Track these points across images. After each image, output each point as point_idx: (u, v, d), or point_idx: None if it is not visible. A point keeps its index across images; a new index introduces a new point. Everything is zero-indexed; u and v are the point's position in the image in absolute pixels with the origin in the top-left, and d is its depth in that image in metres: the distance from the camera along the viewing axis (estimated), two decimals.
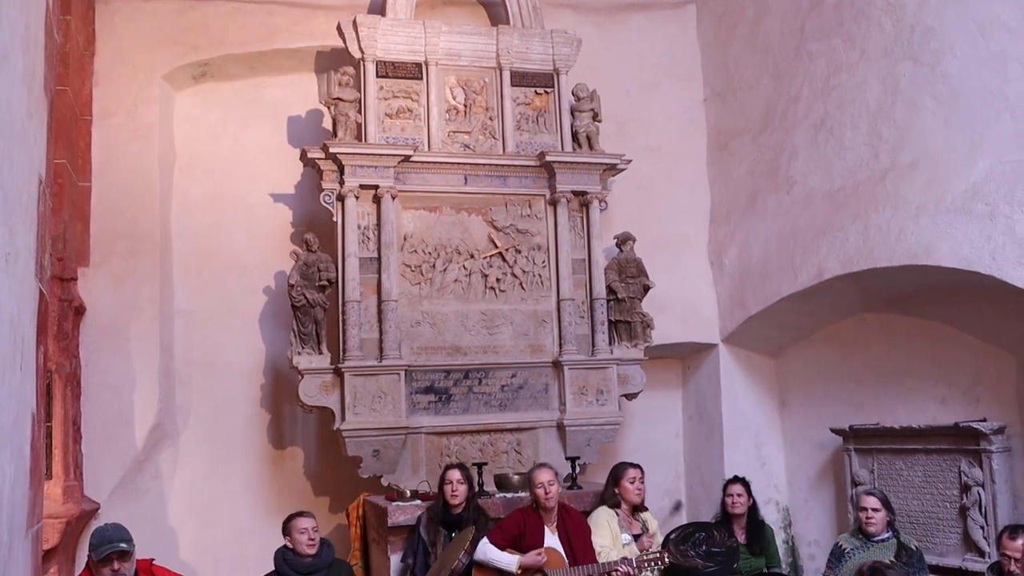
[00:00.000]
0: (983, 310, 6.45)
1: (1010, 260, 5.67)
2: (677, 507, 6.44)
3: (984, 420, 6.38)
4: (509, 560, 5.64)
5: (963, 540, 6.51)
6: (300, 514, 5.62)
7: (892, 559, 5.32)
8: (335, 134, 7.02)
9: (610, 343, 7.49)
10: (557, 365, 7.31)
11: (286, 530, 5.56)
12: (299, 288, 6.78)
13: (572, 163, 7.40)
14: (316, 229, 7.21)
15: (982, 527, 6.34)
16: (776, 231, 7.77)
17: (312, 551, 5.48)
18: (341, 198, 6.97)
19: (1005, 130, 5.85)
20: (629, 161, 7.62)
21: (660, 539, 6.31)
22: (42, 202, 4.01)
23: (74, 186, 6.67)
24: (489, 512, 6.22)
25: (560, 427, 7.24)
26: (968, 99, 6.10)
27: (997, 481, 6.27)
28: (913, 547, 5.79)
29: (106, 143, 7.11)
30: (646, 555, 5.81)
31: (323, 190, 7.00)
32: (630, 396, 7.64)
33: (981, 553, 6.30)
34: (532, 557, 5.63)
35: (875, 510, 5.77)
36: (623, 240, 7.69)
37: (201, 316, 7.54)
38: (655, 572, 6.08)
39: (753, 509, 6.65)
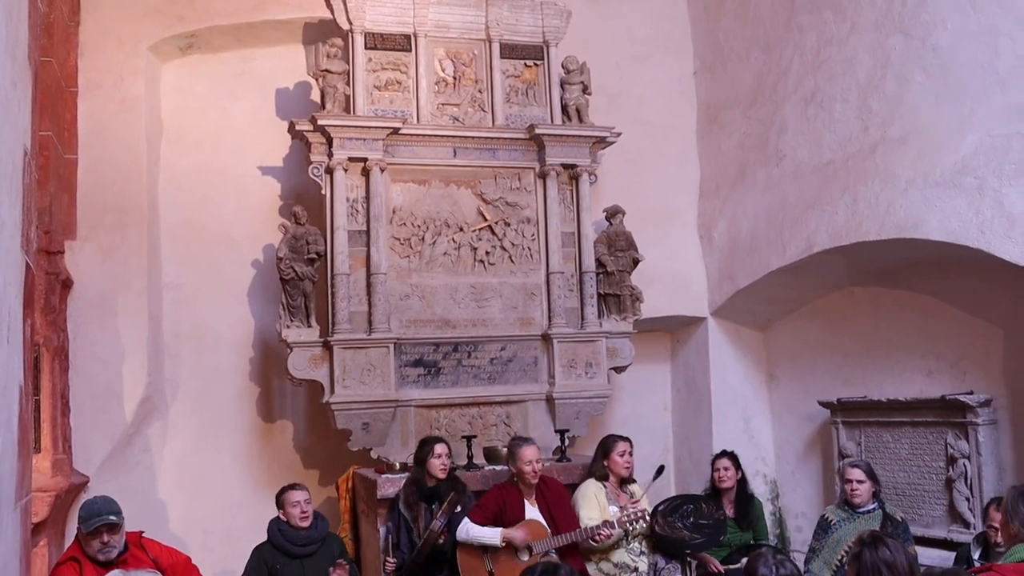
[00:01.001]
0: (971, 283, 6.48)
1: (998, 233, 5.69)
2: (660, 472, 6.46)
3: (971, 393, 6.43)
4: (492, 534, 5.66)
5: (948, 512, 6.57)
6: (293, 487, 5.63)
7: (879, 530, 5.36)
8: (323, 106, 6.98)
9: (599, 316, 7.49)
10: (546, 338, 7.31)
11: (279, 503, 5.58)
12: (288, 261, 6.76)
13: (562, 136, 7.37)
14: (305, 202, 7.18)
15: (967, 499, 6.40)
16: (765, 205, 7.77)
17: (305, 524, 5.50)
18: (330, 171, 6.94)
19: (995, 104, 5.85)
20: (619, 134, 7.60)
21: (648, 510, 6.35)
22: (27, 174, 3.99)
23: (60, 158, 6.62)
24: (478, 485, 6.25)
25: (549, 400, 7.25)
26: (958, 72, 6.09)
27: (983, 453, 6.32)
28: (899, 518, 5.85)
29: (92, 115, 7.05)
30: (626, 515, 5.85)
31: (311, 163, 6.97)
32: (619, 369, 7.66)
33: (966, 524, 6.36)
34: (517, 532, 5.66)
35: (860, 482, 5.82)
36: (612, 213, 7.68)
37: (190, 289, 7.51)
38: (641, 541, 6.13)
39: (742, 483, 6.69)
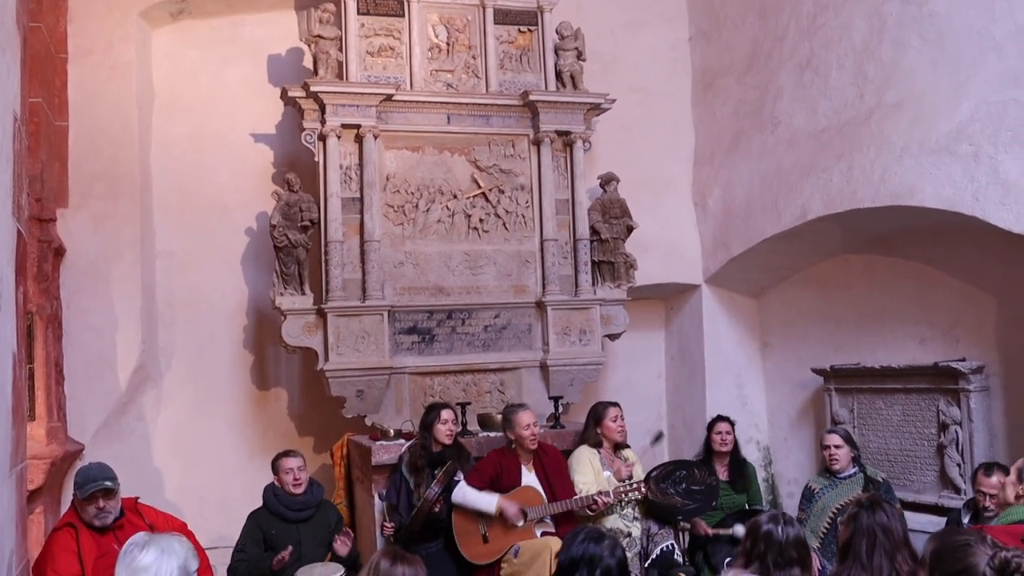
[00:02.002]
0: (964, 251, 6.49)
1: (992, 201, 5.68)
2: (658, 438, 6.52)
3: (963, 360, 6.45)
4: (488, 502, 5.69)
5: (939, 478, 6.62)
6: (287, 453, 5.65)
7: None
8: (316, 73, 6.92)
9: (593, 284, 7.49)
10: (540, 305, 7.32)
11: (274, 468, 5.61)
12: (281, 228, 6.74)
13: (556, 102, 7.33)
14: (298, 169, 7.15)
15: (958, 465, 6.44)
16: (760, 172, 7.75)
17: (298, 491, 5.52)
18: (323, 138, 6.90)
19: (991, 70, 5.82)
20: (613, 101, 7.56)
21: (642, 475, 6.39)
22: (17, 140, 3.96)
23: (51, 125, 6.57)
24: (472, 451, 6.28)
25: (543, 367, 7.27)
26: (955, 38, 6.06)
27: (974, 420, 6.36)
28: (880, 479, 5.92)
29: (82, 82, 6.98)
30: (624, 486, 5.89)
31: (304, 130, 6.93)
32: (613, 336, 7.68)
33: (957, 490, 6.41)
34: (511, 507, 5.68)
35: (837, 447, 5.89)
36: (607, 180, 7.66)
37: (183, 257, 7.48)
38: (635, 507, 6.18)
39: (736, 447, 6.75)
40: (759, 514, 3.65)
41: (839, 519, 5.60)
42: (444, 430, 5.93)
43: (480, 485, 5.76)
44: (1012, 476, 4.32)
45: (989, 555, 2.49)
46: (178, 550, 3.04)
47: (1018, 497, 4.23)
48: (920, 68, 6.30)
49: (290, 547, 5.26)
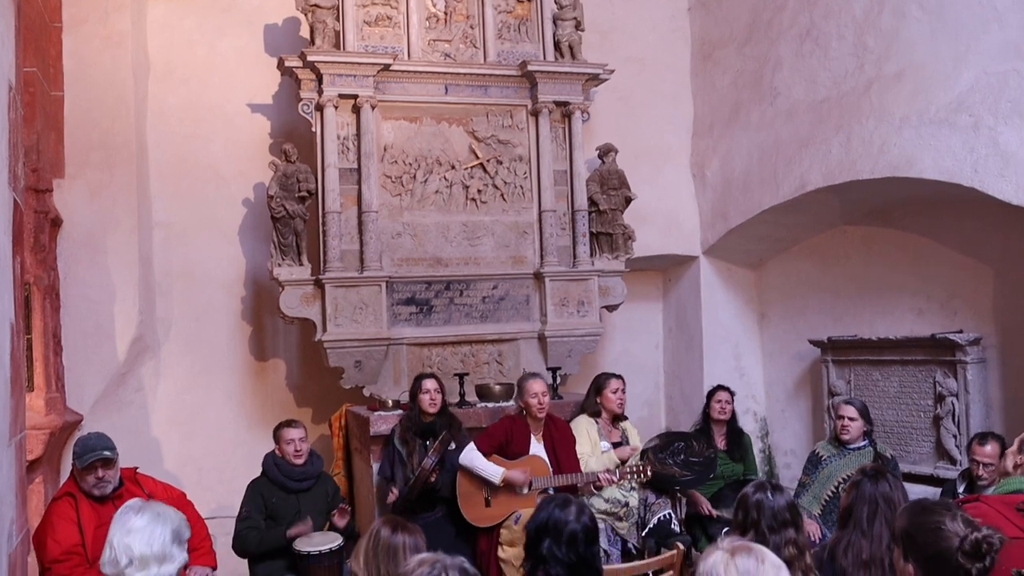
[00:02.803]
0: (963, 223, 6.49)
1: (992, 172, 5.67)
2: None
3: (960, 332, 6.47)
4: (494, 471, 5.72)
5: (936, 448, 6.66)
6: (289, 423, 5.66)
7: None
8: (313, 42, 6.87)
9: (591, 255, 7.49)
10: (538, 276, 7.31)
11: (275, 438, 5.62)
12: (278, 199, 6.72)
13: (554, 73, 7.29)
14: (295, 139, 7.12)
15: (954, 436, 6.48)
16: (759, 143, 7.73)
17: (299, 461, 5.53)
18: (320, 108, 6.87)
19: (992, 40, 5.79)
20: (612, 71, 7.52)
21: (640, 446, 6.42)
22: (12, 109, 3.94)
23: (46, 95, 6.53)
24: (471, 422, 6.30)
25: (541, 338, 7.28)
26: (955, 8, 6.02)
27: (971, 391, 6.39)
28: (888, 455, 5.93)
29: (77, 51, 6.91)
30: (628, 468, 5.93)
31: (301, 100, 6.89)
32: (611, 308, 7.69)
33: (952, 461, 6.45)
34: (518, 477, 5.71)
35: (851, 419, 5.88)
36: (605, 151, 7.63)
37: (180, 228, 7.46)
38: (635, 483, 6.21)
39: (733, 417, 6.79)
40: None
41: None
42: (427, 400, 5.96)
43: (489, 449, 5.80)
44: (1014, 446, 4.33)
45: (960, 537, 2.49)
46: (172, 517, 3.08)
47: (1016, 467, 4.24)
48: (920, 38, 6.26)
49: (309, 521, 5.29)
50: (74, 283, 6.79)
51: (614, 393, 6.31)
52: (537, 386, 5.93)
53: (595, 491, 5.92)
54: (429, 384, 6.01)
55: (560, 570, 3.17)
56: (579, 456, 6.02)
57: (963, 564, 2.45)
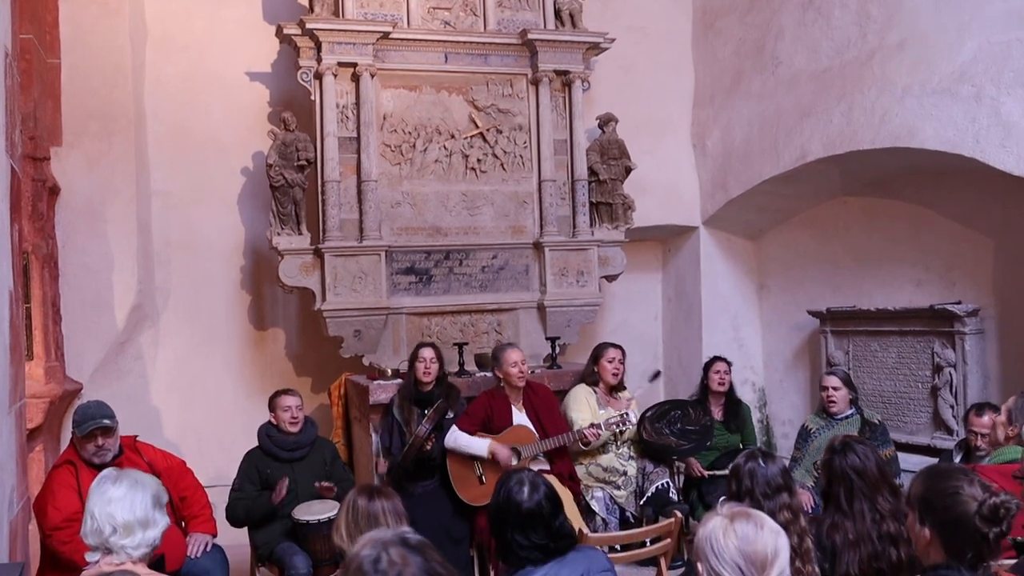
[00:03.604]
0: (963, 194, 6.48)
1: (993, 143, 5.65)
2: (656, 375, 6.58)
3: (959, 303, 6.47)
4: (480, 445, 5.73)
5: (933, 419, 6.69)
6: (285, 392, 5.66)
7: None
8: (312, 10, 6.82)
9: (591, 225, 7.48)
10: (538, 246, 7.31)
11: (271, 407, 5.62)
12: (277, 168, 6.70)
13: (554, 41, 7.25)
14: (294, 108, 7.08)
15: (952, 406, 6.50)
16: (760, 113, 7.70)
17: (295, 429, 5.54)
18: (319, 76, 6.83)
19: (995, 9, 5.75)
20: (612, 40, 7.48)
21: (638, 414, 6.44)
22: (9, 76, 3.91)
23: (43, 63, 6.49)
24: (470, 391, 6.31)
25: (540, 308, 7.28)
26: None
27: (969, 362, 6.40)
28: (876, 421, 5.96)
29: (74, 18, 6.86)
30: (612, 418, 5.94)
31: (300, 68, 6.86)
32: (610, 278, 7.68)
33: (949, 431, 6.48)
34: (502, 451, 5.73)
35: (835, 389, 5.91)
36: (605, 121, 7.60)
37: (179, 197, 7.43)
38: (630, 446, 6.24)
39: (731, 388, 6.79)
40: None
41: None
42: (421, 368, 5.96)
43: (471, 429, 5.79)
44: (1002, 416, 4.35)
45: (978, 501, 2.50)
46: (149, 483, 3.10)
47: (1008, 438, 4.26)
48: (923, 7, 6.22)
49: (285, 477, 5.29)
50: (73, 252, 6.79)
51: (610, 363, 6.32)
52: (515, 355, 5.93)
53: (583, 446, 5.92)
54: (425, 353, 6.01)
55: (533, 552, 3.12)
56: (580, 424, 6.03)
57: (980, 528, 2.47)
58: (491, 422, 5.84)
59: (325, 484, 5.42)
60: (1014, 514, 2.52)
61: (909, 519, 2.68)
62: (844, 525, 3.51)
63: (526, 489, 3.19)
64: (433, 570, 1.92)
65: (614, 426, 5.93)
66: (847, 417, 5.89)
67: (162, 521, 3.07)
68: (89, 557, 3.01)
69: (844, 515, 3.53)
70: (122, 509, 2.98)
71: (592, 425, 5.86)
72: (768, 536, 2.28)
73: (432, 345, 6.16)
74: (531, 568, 3.10)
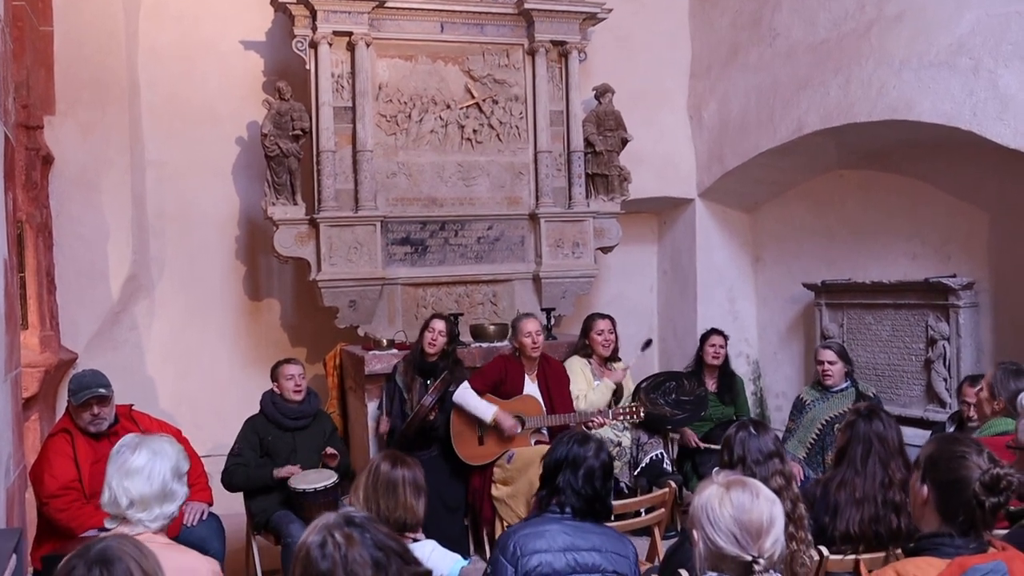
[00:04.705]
0: (960, 167, 6.47)
1: (991, 116, 5.64)
2: (647, 344, 6.60)
3: (954, 276, 6.48)
4: (485, 410, 5.77)
5: (926, 392, 6.71)
6: (288, 361, 5.70)
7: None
8: None
9: (587, 196, 7.47)
10: (534, 217, 7.30)
11: (274, 375, 5.65)
12: (272, 138, 6.67)
13: (550, 11, 7.20)
14: (289, 77, 7.04)
15: (945, 379, 6.53)
16: (756, 85, 7.66)
17: (298, 398, 5.57)
18: (314, 45, 6.78)
19: None
20: (610, 10, 7.43)
21: (632, 387, 6.47)
22: (1, 43, 3.88)
23: (35, 31, 6.44)
24: (465, 362, 6.33)
25: (536, 279, 7.29)
26: None
27: (963, 335, 6.42)
28: (871, 394, 6.00)
29: None
30: (622, 409, 5.97)
31: (295, 37, 6.80)
32: (606, 249, 7.68)
33: (942, 404, 6.51)
34: (507, 420, 5.75)
35: (831, 363, 5.93)
36: (602, 92, 7.57)
37: (173, 167, 7.40)
38: (627, 422, 6.27)
39: (726, 360, 6.83)
40: None
41: (827, 431, 5.71)
42: (428, 338, 6.02)
43: (483, 388, 5.84)
44: (985, 392, 4.37)
45: (982, 469, 2.51)
46: (169, 452, 3.03)
47: (995, 412, 4.29)
48: None
49: (299, 465, 5.33)
50: (67, 221, 6.77)
51: (599, 334, 6.37)
52: (531, 325, 5.97)
53: (586, 429, 5.96)
54: (436, 324, 6.06)
55: (575, 500, 3.24)
56: (577, 394, 6.06)
57: (978, 494, 2.48)
58: (503, 386, 5.91)
59: (330, 451, 5.47)
60: (1014, 489, 2.53)
61: (912, 477, 2.70)
62: (853, 482, 3.61)
63: (592, 446, 3.35)
64: (380, 542, 1.97)
65: (621, 418, 5.96)
66: (842, 390, 5.92)
67: (181, 492, 3.01)
68: (108, 524, 2.98)
69: (856, 472, 3.63)
70: (139, 482, 2.91)
71: (600, 412, 5.90)
72: (764, 504, 2.30)
73: (446, 319, 6.19)
74: (555, 513, 3.24)
